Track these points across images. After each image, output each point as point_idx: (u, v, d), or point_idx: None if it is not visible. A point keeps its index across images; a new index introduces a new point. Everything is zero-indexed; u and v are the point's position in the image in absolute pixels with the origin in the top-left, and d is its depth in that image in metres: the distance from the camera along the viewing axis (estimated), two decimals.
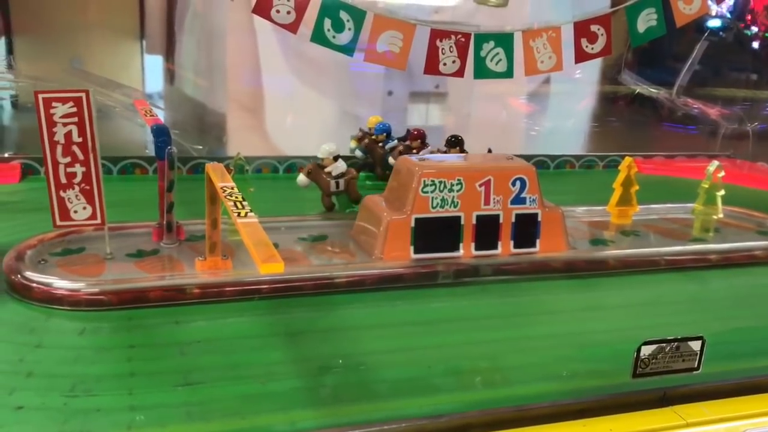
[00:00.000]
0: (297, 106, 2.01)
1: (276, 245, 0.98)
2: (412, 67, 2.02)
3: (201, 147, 1.50)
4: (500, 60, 0.98)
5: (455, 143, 1.27)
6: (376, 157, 1.39)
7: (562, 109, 2.09)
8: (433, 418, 0.62)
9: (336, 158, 1.14)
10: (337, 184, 1.15)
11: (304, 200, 1.21)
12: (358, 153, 1.42)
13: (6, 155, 1.36)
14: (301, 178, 1.14)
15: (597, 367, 0.77)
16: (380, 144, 1.37)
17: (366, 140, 1.39)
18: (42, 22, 1.62)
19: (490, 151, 1.26)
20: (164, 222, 0.97)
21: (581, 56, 1.04)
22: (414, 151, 1.29)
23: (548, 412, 0.64)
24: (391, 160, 1.33)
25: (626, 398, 0.67)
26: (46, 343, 0.74)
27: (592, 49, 1.04)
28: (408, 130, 1.38)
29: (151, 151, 1.57)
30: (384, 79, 1.98)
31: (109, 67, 1.57)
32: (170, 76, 1.80)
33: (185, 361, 0.73)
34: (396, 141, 1.37)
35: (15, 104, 1.90)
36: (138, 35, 1.74)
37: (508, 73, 1.00)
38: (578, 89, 2.06)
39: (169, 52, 1.78)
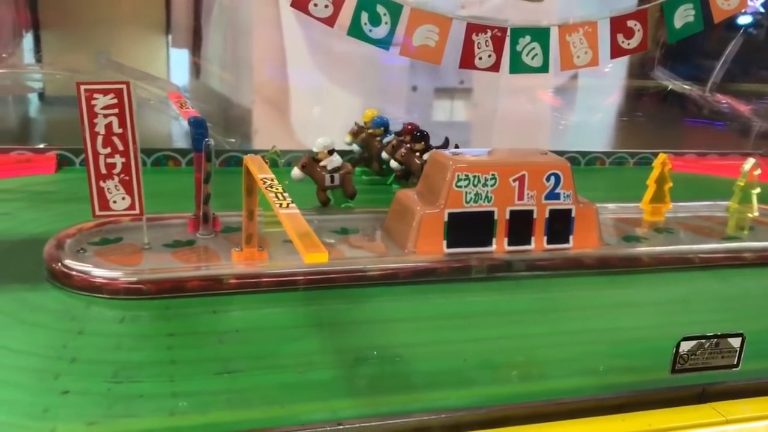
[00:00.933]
0: (322, 100, 2.02)
1: None
2: None
3: (233, 140, 1.51)
4: (536, 55, 0.98)
5: (420, 138, 1.24)
6: (372, 152, 1.36)
7: (590, 104, 2.08)
8: (472, 409, 0.63)
9: (331, 152, 1.13)
10: (332, 178, 1.13)
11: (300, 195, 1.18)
12: (355, 147, 1.39)
13: (41, 146, 1.38)
14: (296, 171, 1.12)
15: (633, 363, 0.77)
16: (377, 138, 1.34)
17: (363, 135, 1.36)
18: (69, 16, 1.65)
19: (457, 146, 1.26)
20: (200, 213, 0.98)
21: (617, 51, 1.03)
22: (407, 145, 1.27)
23: (586, 406, 0.64)
24: (384, 154, 1.31)
25: (665, 394, 0.67)
26: (87, 330, 0.76)
27: (628, 44, 1.03)
28: (403, 125, 1.33)
29: (181, 143, 1.59)
30: (409, 74, 1.98)
31: (135, 61, 1.59)
32: (196, 69, 1.81)
33: (224, 350, 0.74)
34: (393, 135, 1.33)
35: (42, 96, 1.93)
36: (164, 29, 1.76)
37: (544, 68, 1.00)
38: (606, 84, 2.05)
39: (196, 46, 1.79)
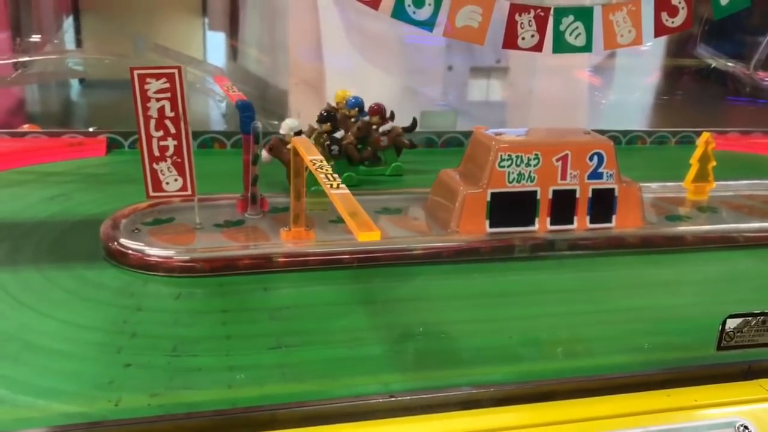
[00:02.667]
0: (358, 81, 2.03)
1: None
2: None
3: (276, 122, 1.53)
4: (579, 34, 0.98)
5: (326, 119, 1.20)
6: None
7: (628, 82, 2.06)
8: (520, 384, 0.64)
9: (298, 134, 1.07)
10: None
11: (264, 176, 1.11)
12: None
13: (91, 129, 1.42)
14: (263, 154, 1.08)
15: (677, 341, 0.77)
16: (352, 119, 1.30)
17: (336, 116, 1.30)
18: (107, 1, 1.68)
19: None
20: (248, 194, 1.01)
21: (661, 30, 1.03)
22: (374, 127, 1.26)
23: (632, 382, 0.65)
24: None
25: (710, 371, 0.68)
26: (145, 307, 0.79)
27: (672, 22, 1.02)
28: (369, 106, 1.30)
29: (222, 125, 1.62)
30: (445, 54, 1.98)
31: (172, 45, 1.62)
32: (233, 52, 1.84)
33: (276, 326, 0.76)
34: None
35: (83, 81, 1.97)
36: (201, 12, 1.78)
37: (587, 47, 1.00)
38: (644, 63, 2.03)
39: (233, 29, 1.81)
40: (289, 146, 1.08)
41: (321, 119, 1.21)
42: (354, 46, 1.90)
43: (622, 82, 2.03)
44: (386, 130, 1.29)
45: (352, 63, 1.91)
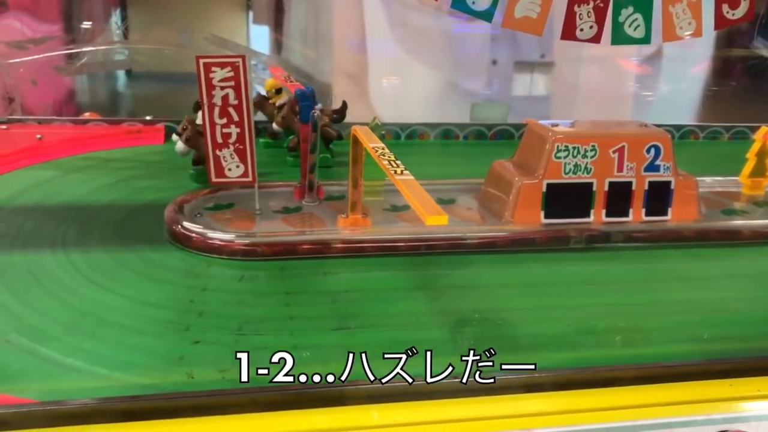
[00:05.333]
0: (401, 75, 2.04)
1: (407, 207, 1.03)
2: (517, 35, 2.01)
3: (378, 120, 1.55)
4: (638, 26, 0.98)
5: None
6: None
7: (676, 75, 2.03)
8: (581, 369, 0.65)
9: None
10: None
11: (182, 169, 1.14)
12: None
13: (148, 118, 1.46)
14: (179, 145, 1.07)
15: (736, 333, 0.77)
16: (278, 111, 1.29)
17: (267, 106, 1.32)
18: None
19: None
20: (306, 182, 1.03)
21: (721, 22, 1.02)
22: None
23: (694, 370, 0.66)
24: (274, 125, 1.29)
25: None
26: (210, 287, 0.82)
27: (733, 14, 1.01)
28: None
29: None
30: (489, 48, 1.98)
31: None
32: (278, 46, 1.86)
33: (337, 308, 0.78)
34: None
35: (129, 72, 2.02)
36: (245, 5, 1.81)
37: (646, 39, 0.99)
38: (693, 54, 1.99)
39: (277, 22, 1.84)
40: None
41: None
42: (398, 40, 1.90)
43: (671, 75, 2.00)
44: None
45: (395, 56, 1.92)
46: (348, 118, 1.44)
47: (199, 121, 1.23)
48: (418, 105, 1.97)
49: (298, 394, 0.60)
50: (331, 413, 0.59)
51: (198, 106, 1.09)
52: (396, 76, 2.02)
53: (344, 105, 1.32)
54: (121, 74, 2.05)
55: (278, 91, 1.33)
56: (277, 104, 1.31)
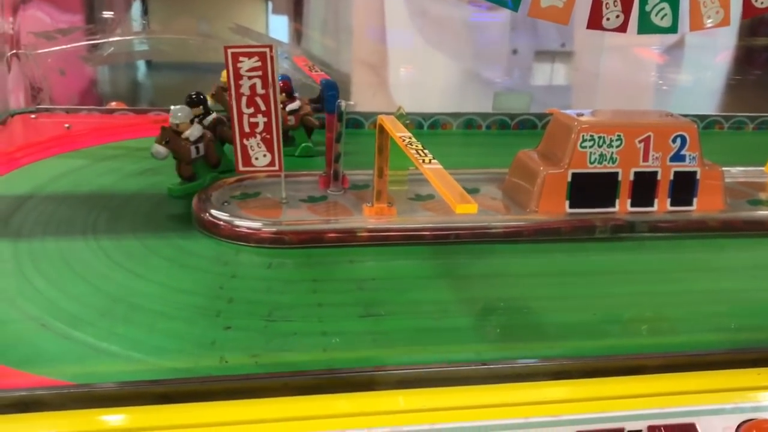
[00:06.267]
0: (421, 64, 2.04)
1: (432, 196, 1.03)
2: (538, 24, 2.00)
3: (353, 103, 1.56)
4: (665, 15, 0.97)
5: (196, 102, 1.08)
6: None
7: (698, 64, 2.01)
8: (608, 357, 0.66)
9: (192, 121, 1.04)
10: (197, 149, 1.05)
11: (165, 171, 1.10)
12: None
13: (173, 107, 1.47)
14: (159, 149, 1.01)
15: (763, 323, 0.77)
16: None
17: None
18: None
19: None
20: (331, 171, 1.04)
21: (750, 11, 1.01)
22: (281, 106, 1.18)
23: (722, 359, 0.66)
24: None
25: None
26: (239, 274, 0.83)
27: (762, 3, 1.00)
28: None
29: None
30: (509, 38, 1.97)
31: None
32: (297, 36, 1.86)
33: (364, 295, 0.79)
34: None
35: (149, 63, 2.03)
36: None
37: (673, 28, 0.99)
38: (715, 43, 1.97)
39: (296, 13, 1.84)
40: (184, 135, 1.02)
41: (190, 102, 1.08)
42: (417, 29, 1.90)
43: (693, 64, 1.98)
44: (293, 109, 1.24)
45: (415, 46, 1.92)
46: (367, 108, 1.45)
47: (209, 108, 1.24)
48: (438, 95, 1.97)
49: (329, 379, 0.61)
50: (361, 398, 0.60)
51: (192, 100, 1.08)
52: (415, 65, 2.02)
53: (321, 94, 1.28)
54: (141, 64, 2.06)
55: None
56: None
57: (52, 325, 0.70)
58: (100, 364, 0.65)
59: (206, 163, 1.08)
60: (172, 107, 1.04)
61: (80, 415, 0.57)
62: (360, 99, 1.85)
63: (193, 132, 1.04)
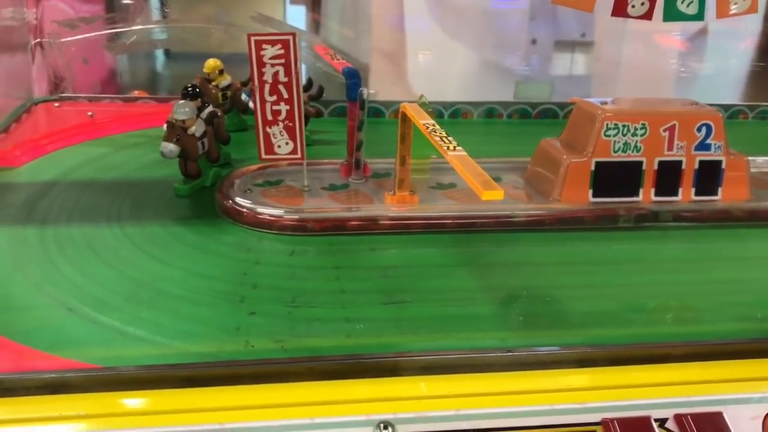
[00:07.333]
0: (439, 53, 2.03)
1: (453, 185, 1.03)
2: (558, 14, 1.98)
3: (373, 91, 1.56)
4: (691, 2, 0.96)
5: (194, 94, 1.04)
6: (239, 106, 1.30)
7: (721, 51, 1.99)
8: (633, 345, 0.65)
9: (198, 116, 1.02)
10: (203, 144, 1.02)
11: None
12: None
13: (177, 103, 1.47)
14: (171, 147, 0.98)
15: None
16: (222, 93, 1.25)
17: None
18: None
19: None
20: (353, 159, 1.04)
21: None
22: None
23: (748, 348, 0.65)
24: (243, 96, 1.27)
25: None
26: (263, 261, 0.83)
27: None
28: None
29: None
30: (528, 27, 1.96)
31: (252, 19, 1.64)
32: (315, 26, 1.86)
33: (387, 283, 0.79)
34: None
35: (168, 53, 2.03)
36: None
37: (699, 16, 0.97)
38: (738, 30, 1.95)
39: (314, 2, 1.84)
40: (190, 131, 0.99)
41: (190, 95, 1.04)
42: (436, 18, 1.90)
43: (715, 50, 1.96)
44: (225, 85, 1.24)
45: (433, 35, 1.91)
46: (385, 97, 1.44)
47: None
48: (457, 84, 1.96)
49: (353, 364, 0.61)
50: (385, 383, 0.60)
51: (188, 92, 1.05)
52: (434, 54, 2.01)
53: (320, 89, 1.28)
54: (159, 54, 2.07)
55: (221, 72, 1.27)
56: (220, 86, 1.26)
57: (79, 310, 0.71)
58: (126, 348, 0.66)
59: (206, 158, 1.06)
60: (175, 102, 1.02)
61: (107, 398, 0.58)
62: (379, 88, 1.84)
63: (198, 127, 1.01)
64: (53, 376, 0.59)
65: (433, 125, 0.80)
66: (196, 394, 0.59)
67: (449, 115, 1.49)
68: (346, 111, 1.02)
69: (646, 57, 1.97)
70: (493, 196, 0.61)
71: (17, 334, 0.66)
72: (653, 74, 1.97)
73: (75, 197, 0.99)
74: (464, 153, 0.71)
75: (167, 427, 0.54)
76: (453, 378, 0.60)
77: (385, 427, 0.55)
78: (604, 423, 0.56)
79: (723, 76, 1.98)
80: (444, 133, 0.77)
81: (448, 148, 0.72)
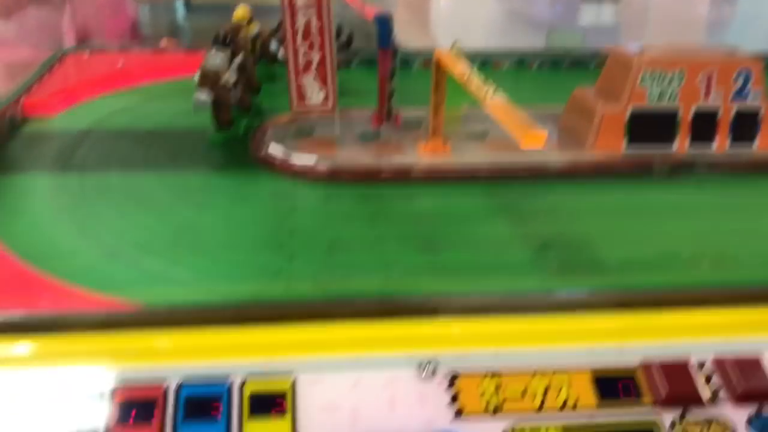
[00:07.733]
0: (463, 4, 2.00)
1: (486, 134, 1.03)
2: None
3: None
4: None
5: (225, 43, 1.06)
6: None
7: None
8: (672, 288, 0.65)
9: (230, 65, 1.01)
10: (235, 93, 1.03)
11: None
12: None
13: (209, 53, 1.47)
14: (204, 97, 0.97)
15: None
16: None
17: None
18: None
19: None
20: (384, 108, 1.04)
21: None
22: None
23: None
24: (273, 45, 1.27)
25: None
26: (299, 208, 0.84)
27: None
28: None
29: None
30: None
31: None
32: None
33: (422, 230, 0.80)
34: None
35: (188, 5, 2.03)
36: None
37: None
38: None
39: None
40: (223, 81, 0.98)
41: (222, 44, 1.05)
42: None
43: None
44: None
45: None
46: (410, 46, 1.43)
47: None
48: (481, 33, 1.94)
49: (394, 306, 0.62)
50: (426, 323, 0.61)
51: (219, 41, 1.06)
52: (458, 6, 1.99)
53: (350, 37, 1.28)
54: (179, 6, 2.07)
55: (249, 21, 1.24)
56: (249, 36, 1.22)
57: (123, 254, 0.73)
58: (170, 291, 0.68)
59: (239, 106, 1.06)
60: (207, 52, 1.02)
61: (153, 336, 0.59)
62: (404, 37, 1.83)
63: (231, 77, 1.01)
64: (102, 315, 0.61)
65: (470, 72, 0.80)
66: (243, 333, 0.60)
67: (479, 64, 1.46)
68: (375, 60, 1.02)
69: (676, 3, 1.93)
70: (535, 142, 0.61)
71: (65, 276, 0.68)
72: (684, 20, 1.93)
73: (110, 146, 1.01)
74: (503, 99, 0.71)
75: (214, 360, 0.56)
76: (492, 319, 0.61)
77: (427, 366, 0.56)
78: (643, 365, 0.57)
79: (761, 21, 1.93)
80: (481, 80, 0.77)
81: (485, 94, 0.72)
